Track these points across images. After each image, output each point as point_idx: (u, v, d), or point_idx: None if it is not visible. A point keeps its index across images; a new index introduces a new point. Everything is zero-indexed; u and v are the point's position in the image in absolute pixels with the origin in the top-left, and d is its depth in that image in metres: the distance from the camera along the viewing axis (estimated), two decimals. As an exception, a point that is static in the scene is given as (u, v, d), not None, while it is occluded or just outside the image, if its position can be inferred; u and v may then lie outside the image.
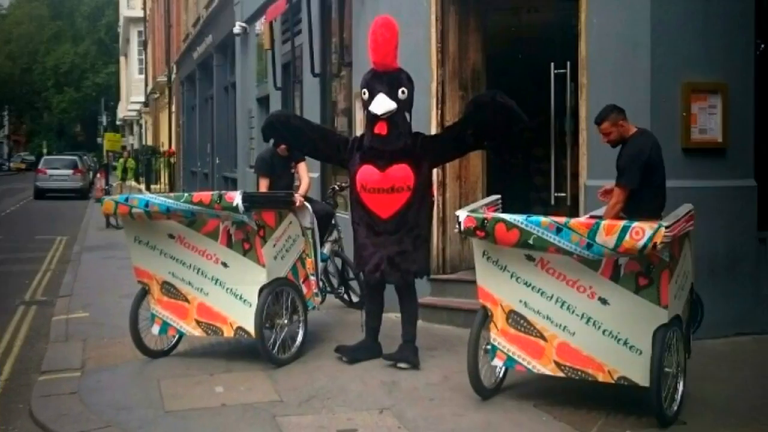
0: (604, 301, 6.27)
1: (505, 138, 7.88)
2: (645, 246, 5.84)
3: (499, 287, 6.68)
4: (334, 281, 10.58)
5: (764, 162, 9.41)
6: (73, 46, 76.89)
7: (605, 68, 9.02)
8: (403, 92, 7.76)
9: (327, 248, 9.93)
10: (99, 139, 66.54)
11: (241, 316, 7.98)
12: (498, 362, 6.81)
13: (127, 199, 8.32)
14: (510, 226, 6.31)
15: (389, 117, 7.70)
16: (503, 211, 6.95)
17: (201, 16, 28.30)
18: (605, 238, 5.97)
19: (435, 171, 8.76)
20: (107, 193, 25.54)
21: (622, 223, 6.06)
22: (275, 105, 16.73)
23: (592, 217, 7.02)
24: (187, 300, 8.25)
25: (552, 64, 9.76)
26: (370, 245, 7.93)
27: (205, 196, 7.94)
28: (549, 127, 9.98)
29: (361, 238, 8.01)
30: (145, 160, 42.67)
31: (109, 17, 75.81)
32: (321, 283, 9.14)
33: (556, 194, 9.93)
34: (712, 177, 8.93)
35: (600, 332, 6.32)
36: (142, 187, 38.92)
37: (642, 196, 7.23)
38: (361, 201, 7.93)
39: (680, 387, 6.46)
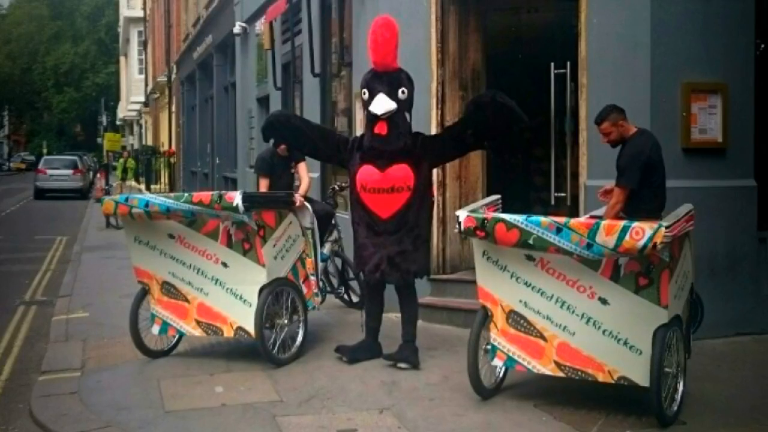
0: (604, 301, 6.27)
1: (505, 138, 7.89)
2: (645, 246, 5.84)
3: (499, 287, 6.68)
4: (334, 281, 10.57)
5: (764, 162, 9.42)
6: (73, 46, 76.87)
7: (605, 68, 9.03)
8: (403, 92, 7.76)
9: (327, 248, 9.93)
10: (99, 139, 66.50)
11: (241, 316, 7.98)
12: (498, 362, 6.81)
13: (127, 199, 8.32)
14: (510, 226, 6.31)
15: (389, 117, 7.70)
16: (503, 211, 6.95)
17: (201, 16, 28.32)
18: (605, 238, 5.97)
19: (435, 171, 8.77)
20: (107, 193, 25.59)
21: (622, 223, 6.06)
22: (275, 105, 16.74)
23: (592, 217, 7.03)
24: (187, 300, 8.25)
25: (552, 64, 9.77)
26: (370, 245, 7.93)
27: (205, 196, 7.94)
28: (549, 127, 10.00)
29: (361, 238, 8.02)
30: (145, 160, 42.74)
31: (109, 17, 75.82)
32: (321, 283, 9.14)
33: (556, 194, 9.93)
34: (712, 177, 8.94)
35: (600, 332, 6.32)
36: (142, 187, 38.97)
37: (642, 196, 7.23)
38: (361, 201, 7.93)
39: (680, 387, 6.46)
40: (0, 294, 12.75)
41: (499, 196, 7.44)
